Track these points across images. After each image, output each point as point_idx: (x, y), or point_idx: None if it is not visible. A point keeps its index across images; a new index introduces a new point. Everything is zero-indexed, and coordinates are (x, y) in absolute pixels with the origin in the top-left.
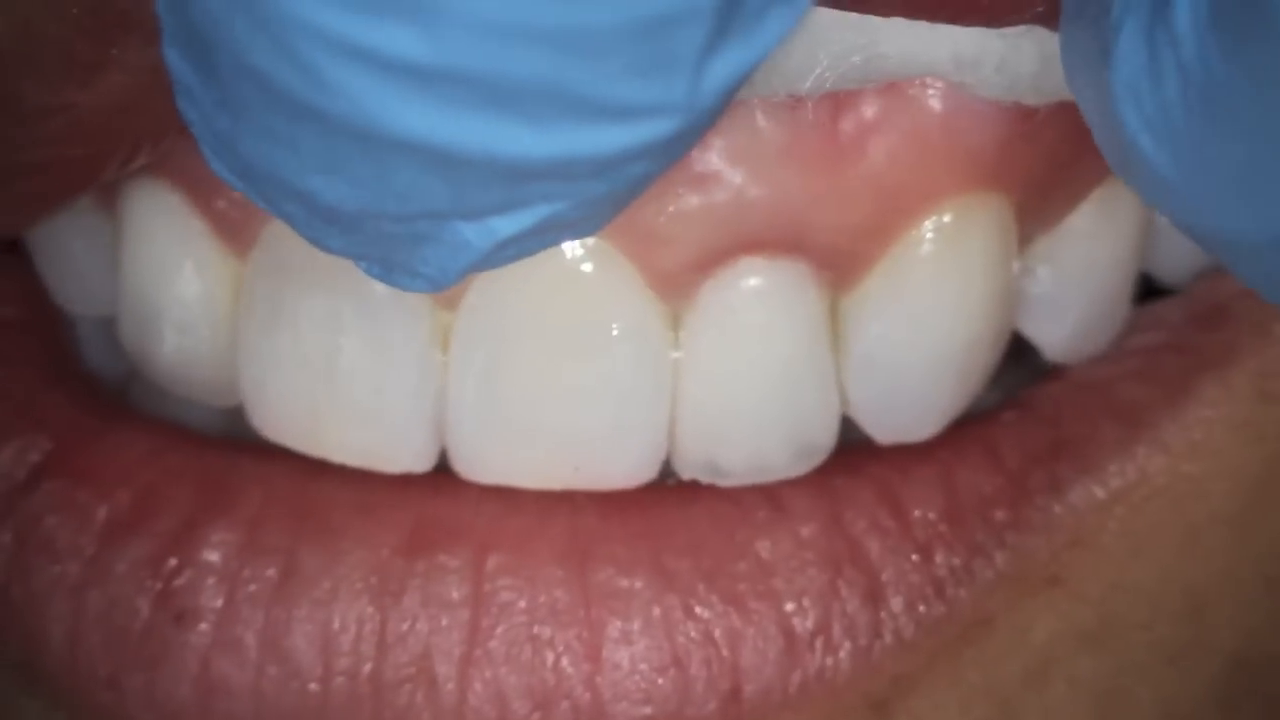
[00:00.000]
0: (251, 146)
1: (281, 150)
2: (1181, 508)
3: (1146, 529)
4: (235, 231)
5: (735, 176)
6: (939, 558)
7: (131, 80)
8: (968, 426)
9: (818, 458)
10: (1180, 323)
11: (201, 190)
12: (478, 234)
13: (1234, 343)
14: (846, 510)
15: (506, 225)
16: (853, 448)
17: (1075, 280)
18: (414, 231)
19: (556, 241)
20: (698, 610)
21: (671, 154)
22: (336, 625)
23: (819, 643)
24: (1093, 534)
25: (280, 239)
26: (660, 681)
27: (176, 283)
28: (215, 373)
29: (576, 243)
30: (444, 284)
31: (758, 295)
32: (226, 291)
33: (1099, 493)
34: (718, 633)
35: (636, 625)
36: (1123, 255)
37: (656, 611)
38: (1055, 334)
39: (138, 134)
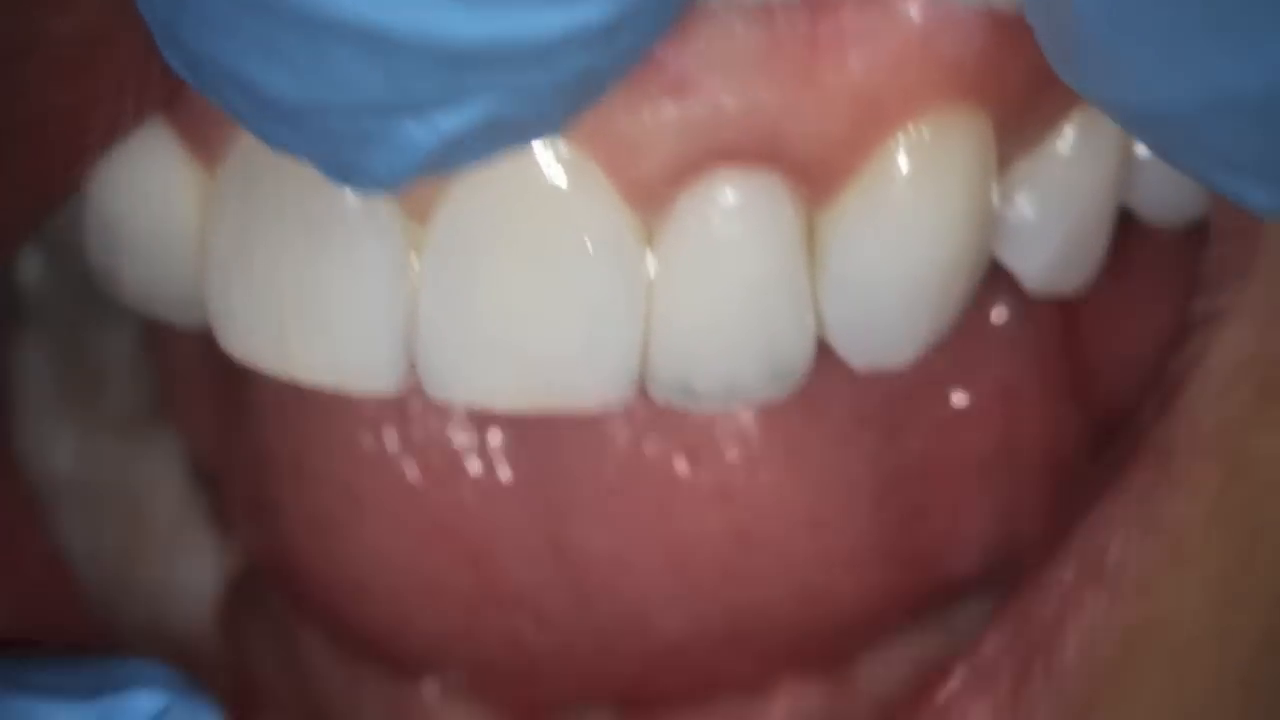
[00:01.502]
0: (192, 32)
1: (220, 35)
2: None
3: None
4: (206, 144)
5: (711, 84)
6: None
7: (106, 2)
8: None
9: (793, 380)
10: None
11: (172, 103)
12: (421, 130)
13: None
14: None
15: (449, 120)
16: None
17: (1055, 206)
18: (359, 129)
19: (509, 143)
20: None
21: (614, 45)
22: None
23: None
24: None
25: (251, 151)
26: None
27: (145, 198)
28: (183, 291)
29: (549, 153)
30: (395, 186)
31: (733, 209)
32: (196, 206)
33: None
34: None
35: None
36: (1103, 182)
37: None
38: (1034, 262)
39: (120, 71)
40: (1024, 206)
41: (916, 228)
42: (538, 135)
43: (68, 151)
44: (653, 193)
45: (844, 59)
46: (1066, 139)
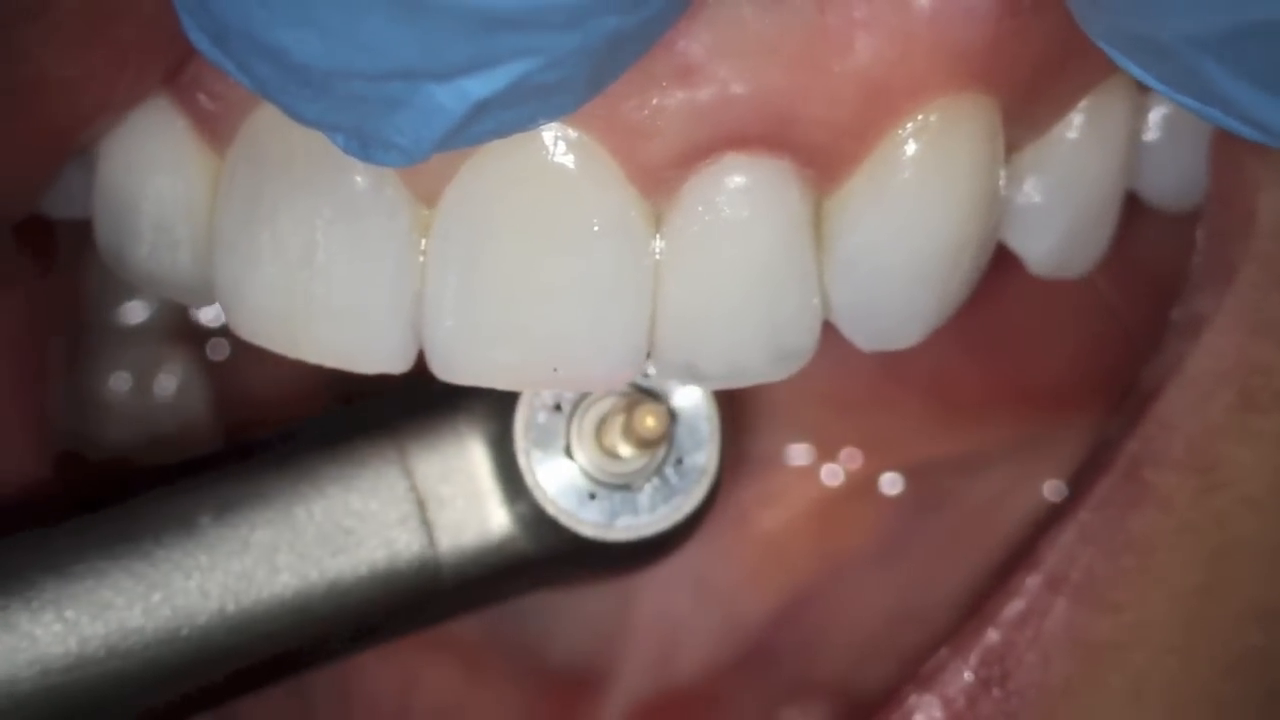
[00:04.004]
0: (223, 1)
1: (252, 3)
2: None
3: None
4: (215, 126)
5: (720, 70)
6: None
7: None
8: None
9: (798, 362)
10: None
11: (182, 86)
12: (450, 96)
13: None
14: None
15: (478, 86)
16: None
17: (1062, 191)
18: (386, 95)
19: (535, 118)
20: None
21: (642, 8)
22: None
23: None
24: None
25: (260, 133)
26: None
27: (155, 181)
28: (193, 274)
29: (558, 136)
30: (418, 155)
31: (741, 193)
32: (205, 189)
33: None
34: None
35: None
36: (1110, 168)
37: None
38: (1041, 246)
39: (121, 48)
40: (1032, 191)
41: (923, 212)
42: (562, 107)
43: (66, 120)
44: (660, 177)
45: (852, 46)
46: (1074, 125)
